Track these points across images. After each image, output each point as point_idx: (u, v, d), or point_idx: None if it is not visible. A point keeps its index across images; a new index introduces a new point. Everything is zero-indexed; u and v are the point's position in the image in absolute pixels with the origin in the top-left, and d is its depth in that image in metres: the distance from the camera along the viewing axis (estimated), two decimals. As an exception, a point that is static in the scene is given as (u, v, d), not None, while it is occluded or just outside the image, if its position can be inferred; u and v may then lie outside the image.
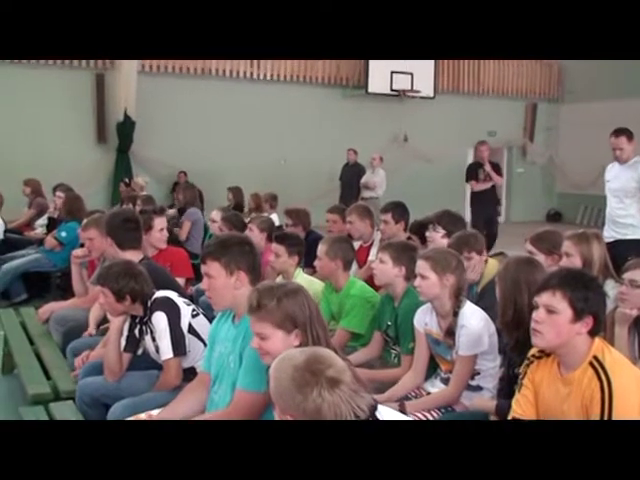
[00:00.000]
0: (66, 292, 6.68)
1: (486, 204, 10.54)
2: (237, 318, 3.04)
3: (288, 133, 16.03)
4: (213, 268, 3.01)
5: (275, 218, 8.20)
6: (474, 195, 10.81)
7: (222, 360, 3.04)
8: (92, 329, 4.78)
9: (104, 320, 4.74)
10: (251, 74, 16.08)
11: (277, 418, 1.93)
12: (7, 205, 8.09)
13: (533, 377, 2.75)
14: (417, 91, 16.87)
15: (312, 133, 16.25)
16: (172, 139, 14.91)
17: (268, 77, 16.25)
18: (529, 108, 19.45)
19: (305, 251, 4.95)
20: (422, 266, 3.55)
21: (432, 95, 17.26)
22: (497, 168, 10.73)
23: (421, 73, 16.79)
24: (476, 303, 3.67)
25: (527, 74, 19.37)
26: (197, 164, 14.62)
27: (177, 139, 14.95)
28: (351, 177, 13.92)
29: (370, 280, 4.87)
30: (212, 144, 15.25)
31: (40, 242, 8.14)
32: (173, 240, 8.28)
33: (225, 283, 3.01)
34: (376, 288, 4.49)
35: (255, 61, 15.99)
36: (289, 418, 1.87)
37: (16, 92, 13.77)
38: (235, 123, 15.56)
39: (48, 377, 4.30)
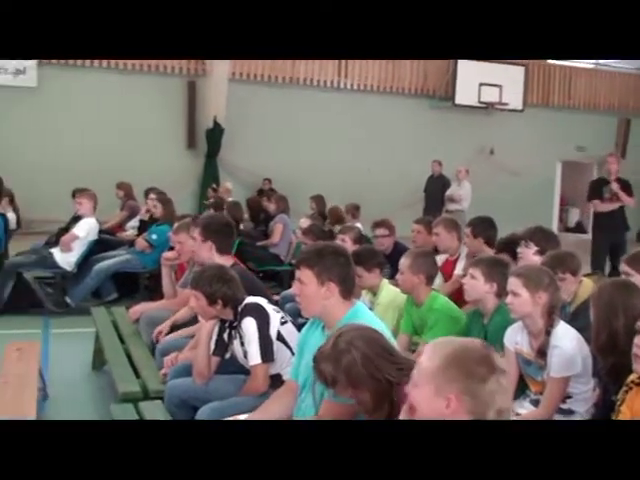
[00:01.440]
0: (154, 293, 6.87)
1: (613, 228, 9.04)
2: (327, 327, 3.04)
3: (373, 142, 16.03)
4: (305, 275, 3.02)
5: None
6: (597, 217, 9.46)
7: (311, 368, 3.04)
8: (166, 327, 4.86)
9: (185, 323, 4.82)
10: (338, 83, 16.16)
11: (420, 401, 1.95)
12: (100, 207, 8.36)
13: (632, 404, 2.65)
14: (505, 104, 16.60)
15: (397, 143, 16.20)
16: (258, 146, 15.13)
17: (355, 86, 16.30)
18: (622, 123, 18.83)
19: (393, 262, 4.91)
20: (514, 283, 3.49)
21: (521, 108, 16.97)
22: (627, 187, 9.22)
23: (510, 85, 16.54)
24: (568, 324, 3.57)
25: (620, 88, 18.76)
26: (281, 171, 14.78)
27: (263, 146, 15.16)
28: (436, 189, 13.69)
29: (455, 294, 4.81)
30: (297, 152, 15.39)
31: (131, 243, 8.38)
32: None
33: (315, 292, 3.00)
34: (459, 303, 4.42)
35: (342, 70, 16.10)
36: (443, 402, 1.88)
37: (112, 97, 14.27)
38: (321, 131, 15.68)
39: (137, 376, 4.39)
